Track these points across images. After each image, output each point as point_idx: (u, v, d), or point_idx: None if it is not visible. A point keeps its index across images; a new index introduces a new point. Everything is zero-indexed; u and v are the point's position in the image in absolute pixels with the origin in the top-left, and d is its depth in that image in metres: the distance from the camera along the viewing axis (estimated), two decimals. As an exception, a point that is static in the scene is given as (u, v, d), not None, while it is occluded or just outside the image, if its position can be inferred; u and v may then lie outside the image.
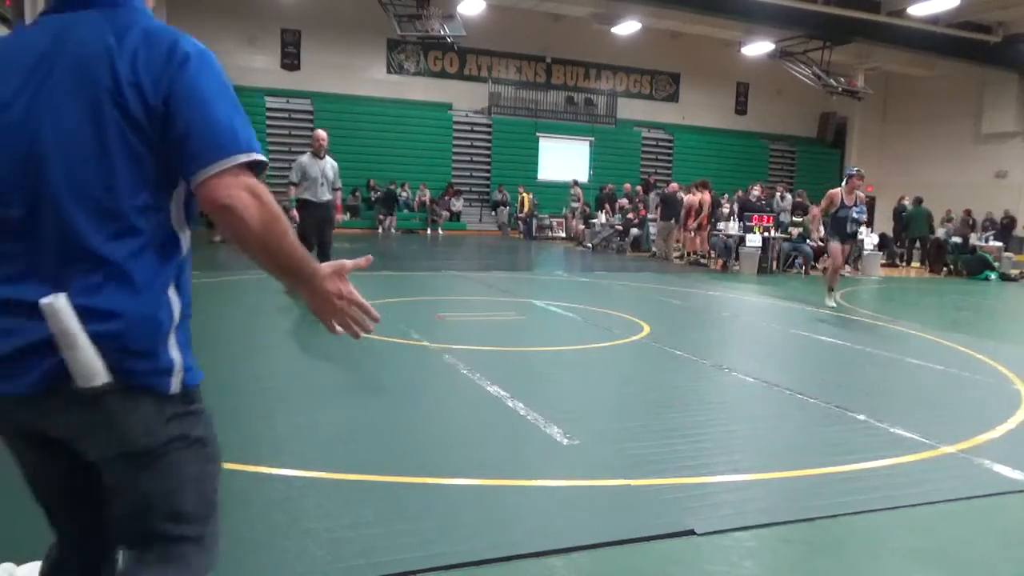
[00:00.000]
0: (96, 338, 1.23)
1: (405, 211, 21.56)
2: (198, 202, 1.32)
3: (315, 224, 7.73)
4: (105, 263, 1.26)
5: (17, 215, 1.28)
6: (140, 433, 1.32)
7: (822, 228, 9.89)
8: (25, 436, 1.39)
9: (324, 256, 7.58)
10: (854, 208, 8.98)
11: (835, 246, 9.15)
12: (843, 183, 9.23)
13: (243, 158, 1.28)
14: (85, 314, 1.23)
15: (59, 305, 1.21)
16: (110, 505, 1.41)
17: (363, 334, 1.46)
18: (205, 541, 1.45)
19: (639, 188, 20.27)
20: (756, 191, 16.51)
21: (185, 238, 1.40)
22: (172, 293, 1.35)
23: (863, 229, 16.12)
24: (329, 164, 8.00)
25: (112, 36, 1.29)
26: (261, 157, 1.31)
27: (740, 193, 17.01)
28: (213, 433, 1.46)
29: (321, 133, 8.15)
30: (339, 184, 8.19)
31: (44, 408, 1.29)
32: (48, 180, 1.27)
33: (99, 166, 1.27)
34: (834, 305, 9.22)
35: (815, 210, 9.87)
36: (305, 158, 7.93)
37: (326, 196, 7.93)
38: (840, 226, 9.05)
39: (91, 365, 1.23)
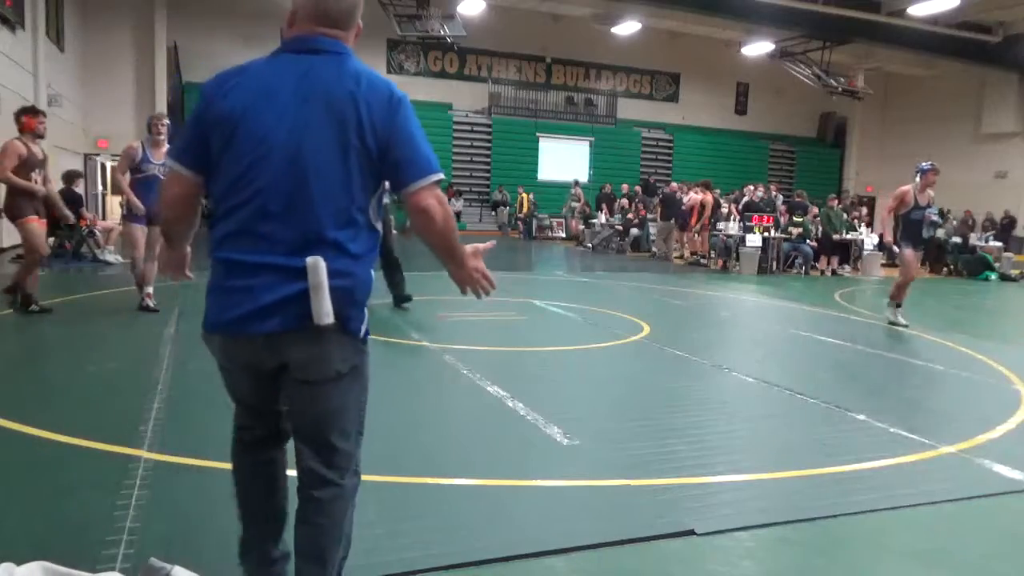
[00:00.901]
0: (335, 290, 1.78)
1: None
2: (405, 205, 1.86)
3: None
4: (336, 243, 1.80)
5: (276, 209, 1.79)
6: (340, 361, 1.87)
7: (889, 231, 8.64)
8: (253, 367, 1.90)
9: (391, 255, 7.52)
10: (929, 209, 7.89)
11: (908, 253, 7.98)
12: (916, 179, 7.98)
13: (434, 178, 1.85)
14: (330, 273, 1.77)
15: (320, 265, 1.76)
16: (300, 417, 1.94)
17: (479, 297, 2.02)
18: (354, 462, 1.98)
19: (637, 188, 20.25)
20: (761, 191, 16.50)
21: (380, 228, 1.94)
22: (372, 269, 1.92)
23: (863, 228, 16.16)
24: None
25: (351, 82, 1.81)
26: (443, 176, 1.89)
27: (735, 193, 17.00)
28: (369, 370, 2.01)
29: None
30: None
31: (284, 342, 1.82)
32: (308, 186, 1.78)
33: (342, 179, 1.80)
34: (904, 324, 7.97)
35: (883, 211, 8.47)
36: None
37: None
38: (915, 229, 7.92)
39: (327, 309, 1.77)
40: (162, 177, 6.47)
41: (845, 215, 15.84)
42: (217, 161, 1.83)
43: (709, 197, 15.54)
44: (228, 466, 2.14)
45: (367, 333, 1.93)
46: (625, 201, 19.04)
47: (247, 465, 2.08)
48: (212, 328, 1.87)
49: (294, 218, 1.78)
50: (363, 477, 2.04)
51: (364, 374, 1.97)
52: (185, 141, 1.90)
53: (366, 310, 1.92)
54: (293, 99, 1.79)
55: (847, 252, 15.22)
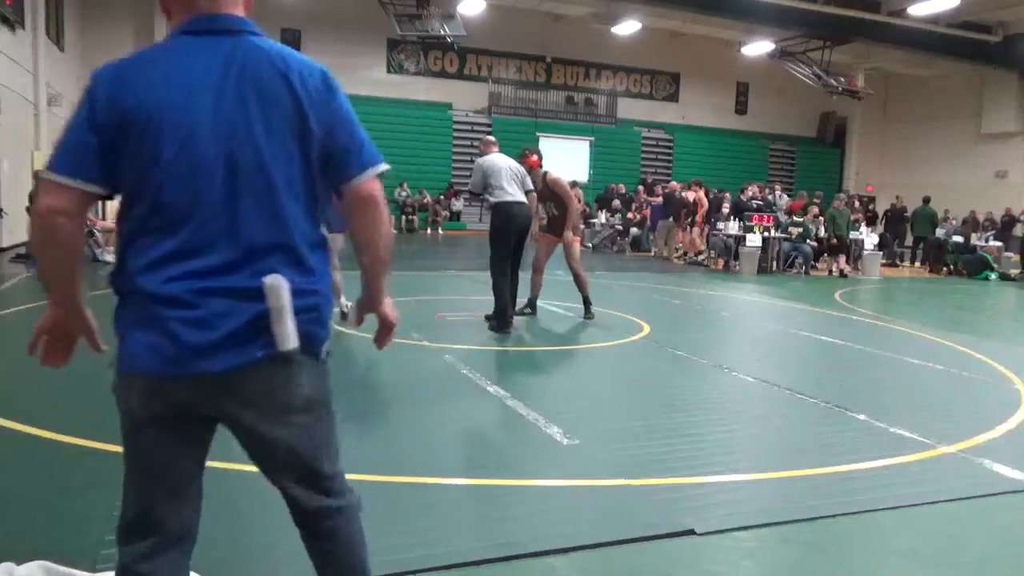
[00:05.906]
0: (299, 311, 1.51)
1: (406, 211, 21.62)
2: (347, 196, 1.59)
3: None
4: (294, 254, 1.55)
5: (217, 224, 1.48)
6: (308, 388, 1.58)
7: None
8: (184, 416, 1.56)
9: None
10: None
11: None
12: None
13: (382, 167, 1.62)
14: (293, 293, 1.50)
15: (280, 284, 1.48)
16: (271, 455, 1.61)
17: (379, 347, 1.83)
18: (345, 481, 1.72)
19: (639, 188, 20.24)
20: (772, 191, 16.45)
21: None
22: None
23: (864, 228, 16.12)
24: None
25: (281, 64, 1.52)
26: (387, 167, 1.64)
27: (724, 195, 17.01)
28: None
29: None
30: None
31: (237, 379, 1.50)
32: (275, 192, 1.53)
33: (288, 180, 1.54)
34: None
35: None
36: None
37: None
38: None
39: (291, 332, 1.48)
40: None
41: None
42: (127, 171, 1.47)
43: (702, 195, 15.53)
44: (229, 465, 2.14)
45: (329, 353, 1.64)
46: (617, 202, 19.08)
47: None
48: (139, 368, 1.49)
49: (237, 231, 1.48)
50: (361, 477, 2.03)
51: (329, 396, 1.67)
52: (72, 149, 1.46)
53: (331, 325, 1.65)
54: (222, 86, 1.47)
55: (847, 252, 15.19)
